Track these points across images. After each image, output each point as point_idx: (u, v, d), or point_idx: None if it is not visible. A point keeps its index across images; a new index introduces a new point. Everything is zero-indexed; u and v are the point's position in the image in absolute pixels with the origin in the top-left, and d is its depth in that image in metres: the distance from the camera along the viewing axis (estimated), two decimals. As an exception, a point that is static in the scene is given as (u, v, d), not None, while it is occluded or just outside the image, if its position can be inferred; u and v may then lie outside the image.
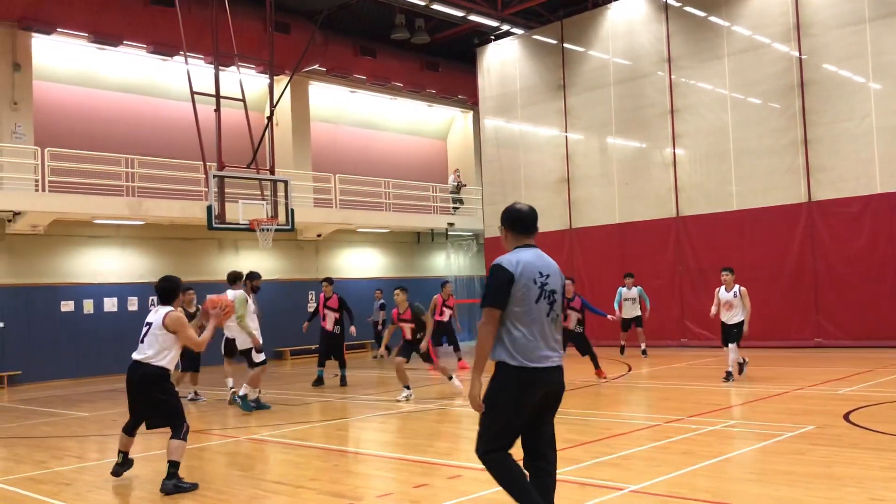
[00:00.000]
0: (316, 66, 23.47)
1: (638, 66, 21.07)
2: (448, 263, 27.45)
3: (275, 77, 18.52)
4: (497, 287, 4.54)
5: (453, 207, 27.09)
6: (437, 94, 27.35)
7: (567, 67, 22.61)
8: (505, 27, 23.88)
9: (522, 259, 4.61)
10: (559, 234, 22.54)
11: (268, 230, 16.50)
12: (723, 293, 12.68)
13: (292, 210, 16.98)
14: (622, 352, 18.30)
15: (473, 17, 22.68)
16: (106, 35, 19.46)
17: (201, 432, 10.39)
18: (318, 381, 14.94)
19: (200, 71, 19.28)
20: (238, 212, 16.13)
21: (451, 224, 26.13)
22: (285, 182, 16.96)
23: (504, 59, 24.32)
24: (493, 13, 22.64)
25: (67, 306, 19.11)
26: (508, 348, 4.54)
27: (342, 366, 14.95)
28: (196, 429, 10.74)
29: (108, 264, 20.04)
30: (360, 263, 25.58)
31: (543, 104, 23.20)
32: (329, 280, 15.12)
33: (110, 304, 19.88)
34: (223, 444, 9.35)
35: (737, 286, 12.58)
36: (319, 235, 23.85)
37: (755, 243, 18.81)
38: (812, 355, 16.44)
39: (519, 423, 4.61)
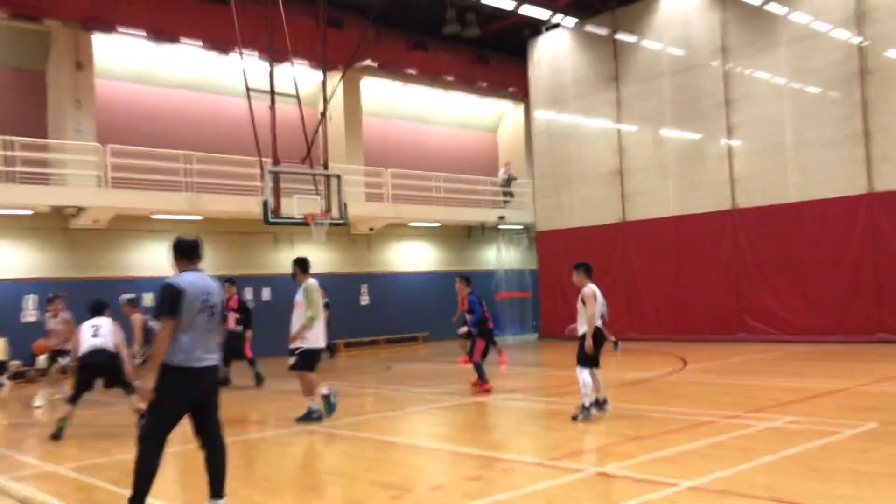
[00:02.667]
0: (368, 62, 23.59)
1: (692, 55, 20.72)
2: (499, 257, 27.39)
3: (328, 72, 18.67)
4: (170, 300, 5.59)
5: (504, 201, 27.00)
6: (487, 87, 27.28)
7: (620, 58, 22.34)
8: (556, 18, 23.68)
9: (186, 280, 5.74)
10: (612, 228, 22.32)
11: (322, 224, 16.66)
12: None
13: (345, 204, 17.11)
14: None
15: (524, 9, 22.54)
16: (164, 33, 19.87)
17: (258, 423, 10.58)
18: (224, 382, 14.56)
19: (255, 67, 19.56)
20: (293, 206, 16.32)
21: (501, 217, 26.06)
22: (338, 177, 17.10)
23: (556, 51, 24.14)
24: (544, 4, 22.47)
25: (128, 299, 19.58)
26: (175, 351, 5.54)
27: (251, 364, 14.76)
28: (252, 420, 10.95)
29: (167, 258, 20.46)
30: (412, 257, 25.70)
31: (596, 95, 22.97)
32: (231, 280, 14.81)
33: (170, 298, 20.31)
34: (278, 435, 9.50)
35: (587, 287, 9.55)
36: (371, 229, 24.03)
37: (815, 236, 18.37)
38: (875, 351, 15.99)
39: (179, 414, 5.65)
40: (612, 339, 9.83)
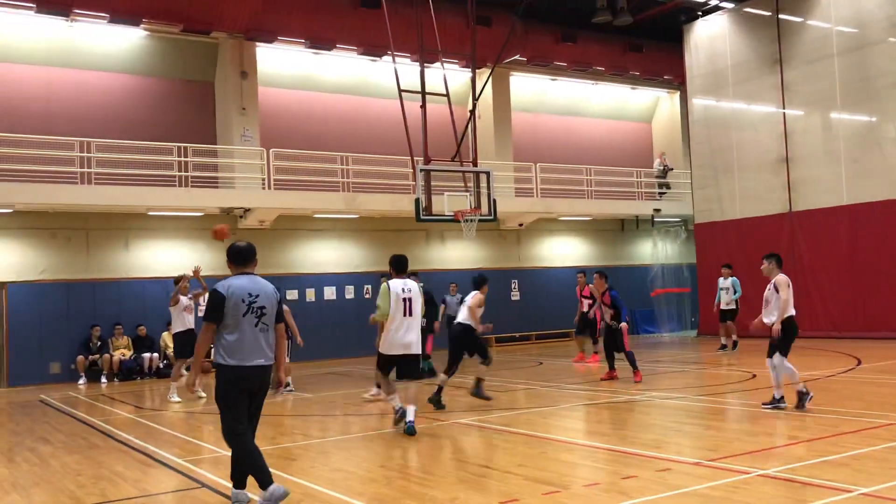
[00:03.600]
0: (517, 57, 23.57)
1: (865, 33, 19.26)
2: (655, 251, 26.63)
3: (477, 70, 18.81)
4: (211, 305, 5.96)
5: (659, 193, 26.20)
6: (640, 75, 26.55)
7: (783, 40, 21.11)
8: (713, 2, 22.68)
9: (234, 284, 6.05)
10: (778, 218, 21.14)
11: (471, 221, 16.81)
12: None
13: (494, 200, 17.18)
14: (725, 348, 17.20)
15: (679, -6, 21.76)
16: (321, 40, 20.73)
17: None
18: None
19: (406, 69, 19.99)
20: (443, 204, 16.57)
21: (657, 210, 25.31)
22: (487, 173, 17.19)
23: (713, 35, 23.14)
24: (700, -12, 21.60)
25: (292, 295, 20.58)
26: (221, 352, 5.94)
27: (426, 357, 14.36)
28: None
29: (327, 255, 21.40)
30: (563, 252, 25.45)
31: (757, 80, 21.83)
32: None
33: (329, 293, 21.21)
34: (431, 427, 9.66)
35: (778, 276, 9.52)
36: (521, 225, 23.99)
37: None
38: None
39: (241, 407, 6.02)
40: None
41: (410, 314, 9.14)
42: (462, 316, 11.11)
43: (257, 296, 6.03)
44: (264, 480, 5.80)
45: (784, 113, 21.10)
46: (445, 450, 8.45)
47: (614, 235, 26.61)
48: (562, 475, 6.81)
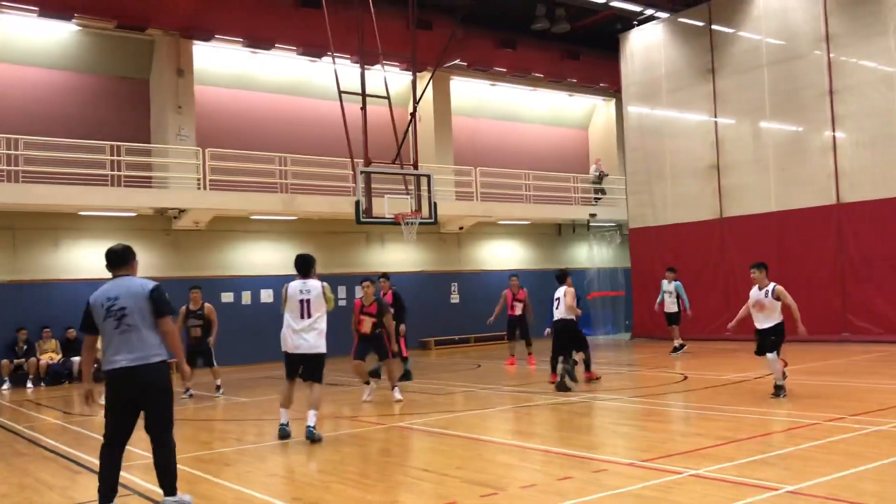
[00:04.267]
0: (457, 61, 23.69)
1: (793, 45, 19.93)
2: (590, 255, 27.05)
3: (417, 73, 18.83)
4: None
5: (595, 198, 26.65)
6: (578, 82, 26.97)
7: (715, 50, 21.69)
8: (649, 11, 23.18)
9: (97, 291, 6.02)
10: (709, 224, 21.70)
11: (412, 224, 16.82)
12: (754, 292, 11.03)
13: (435, 203, 17.22)
14: (676, 351, 17.67)
15: (616, 3, 22.16)
16: (259, 39, 20.48)
17: (351, 419, 10.76)
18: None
19: (347, 70, 19.89)
20: (384, 206, 16.54)
21: (592, 215, 25.72)
22: (428, 176, 17.22)
23: (648, 45, 23.64)
24: (636, -2, 22.05)
25: (227, 297, 20.26)
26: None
27: (404, 360, 14.62)
28: (346, 416, 11.15)
29: (264, 257, 21.12)
30: (502, 256, 25.66)
31: (690, 89, 22.38)
32: (385, 276, 14.78)
33: (266, 296, 20.94)
34: (371, 430, 9.63)
35: (771, 284, 10.85)
36: (461, 228, 24.11)
37: (928, 231, 17.42)
38: None
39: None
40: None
41: (308, 316, 8.99)
42: (561, 311, 12.21)
43: (116, 298, 5.89)
44: (105, 496, 5.79)
45: (716, 121, 21.68)
46: (383, 453, 8.43)
47: (551, 239, 26.94)
48: (499, 477, 6.86)
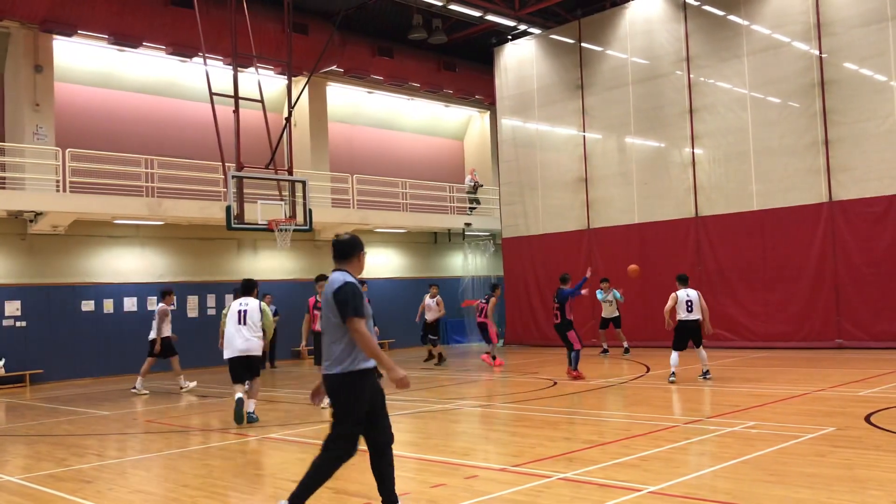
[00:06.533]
0: (333, 67, 23.52)
1: (656, 65, 20.96)
2: (465, 263, 27.43)
3: (293, 78, 18.57)
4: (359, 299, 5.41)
5: (470, 208, 27.07)
6: (454, 94, 27.34)
7: (585, 67, 22.52)
8: (522, 27, 23.82)
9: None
10: (577, 235, 22.46)
11: (286, 230, 16.55)
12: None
13: (310, 210, 17.02)
14: (605, 352, 18.62)
15: (491, 17, 22.64)
16: (126, 36, 19.59)
17: (220, 431, 10.44)
18: None
19: (219, 72, 19.39)
20: (257, 212, 16.19)
21: (468, 224, 26.10)
22: (303, 182, 17.00)
23: (521, 59, 24.27)
24: (510, 13, 22.60)
25: (88, 306, 19.28)
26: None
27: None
28: (214, 428, 10.81)
29: (128, 264, 20.20)
30: (378, 263, 25.61)
31: (561, 104, 23.13)
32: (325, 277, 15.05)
33: (130, 304, 20.03)
34: (240, 443, 9.38)
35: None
36: (337, 235, 23.89)
37: (776, 243, 18.67)
38: (833, 356, 16.27)
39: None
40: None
41: (244, 322, 10.68)
42: (695, 312, 13.07)
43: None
44: None
45: (584, 136, 22.49)
46: (254, 466, 8.23)
47: (428, 248, 27.14)
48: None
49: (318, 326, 11.97)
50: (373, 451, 5.60)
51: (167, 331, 15.31)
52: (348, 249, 5.74)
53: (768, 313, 18.78)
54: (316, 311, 12.25)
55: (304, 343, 13.34)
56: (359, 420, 5.49)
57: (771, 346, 18.30)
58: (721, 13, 19.80)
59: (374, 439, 5.60)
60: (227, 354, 10.70)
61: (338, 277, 5.50)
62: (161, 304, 15.48)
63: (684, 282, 13.45)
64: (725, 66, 19.69)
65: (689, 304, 13.08)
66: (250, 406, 10.66)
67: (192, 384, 15.51)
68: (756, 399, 10.86)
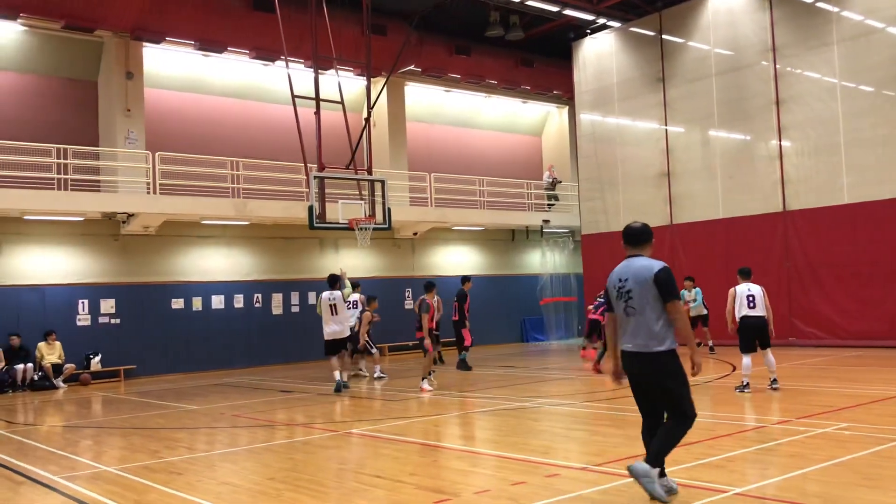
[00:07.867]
0: (411, 67, 23.70)
1: (740, 56, 20.39)
2: (543, 261, 27.25)
3: (372, 79, 18.80)
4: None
5: (548, 204, 26.87)
6: (531, 90, 27.19)
7: (666, 59, 22.08)
8: (601, 20, 23.51)
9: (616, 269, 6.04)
10: (659, 231, 21.96)
11: (366, 229, 16.77)
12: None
13: (389, 209, 17.20)
14: (711, 351, 18.15)
15: (569, 12, 22.41)
16: (211, 42, 20.21)
17: (304, 426, 10.67)
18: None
19: (301, 74, 19.77)
20: (338, 211, 16.46)
21: (546, 221, 25.92)
22: (382, 182, 17.19)
23: (600, 53, 23.96)
24: (588, 7, 22.34)
25: (178, 303, 19.96)
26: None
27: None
28: (298, 423, 11.05)
29: (216, 263, 20.84)
30: (456, 261, 25.70)
31: (641, 97, 22.74)
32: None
33: (217, 302, 20.65)
34: (324, 437, 9.56)
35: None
36: (415, 234, 24.10)
37: (869, 238, 17.93)
38: (932, 356, 15.53)
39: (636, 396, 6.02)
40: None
41: (335, 314, 14.40)
42: (759, 309, 11.98)
43: (626, 279, 5.90)
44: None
45: (666, 129, 22.05)
46: (337, 460, 8.37)
47: (505, 245, 27.08)
48: (453, 483, 6.87)
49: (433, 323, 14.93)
50: (653, 421, 5.96)
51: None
52: (644, 236, 6.08)
53: (862, 310, 18.05)
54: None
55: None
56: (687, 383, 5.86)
57: (865, 345, 17.58)
58: (809, 1, 19.12)
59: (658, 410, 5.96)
60: (325, 337, 14.50)
61: (646, 262, 5.89)
62: (366, 311, 16.34)
63: (747, 275, 12.32)
64: (813, 54, 19.00)
65: (752, 298, 11.87)
66: (343, 376, 14.31)
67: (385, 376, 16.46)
68: (849, 399, 10.46)
